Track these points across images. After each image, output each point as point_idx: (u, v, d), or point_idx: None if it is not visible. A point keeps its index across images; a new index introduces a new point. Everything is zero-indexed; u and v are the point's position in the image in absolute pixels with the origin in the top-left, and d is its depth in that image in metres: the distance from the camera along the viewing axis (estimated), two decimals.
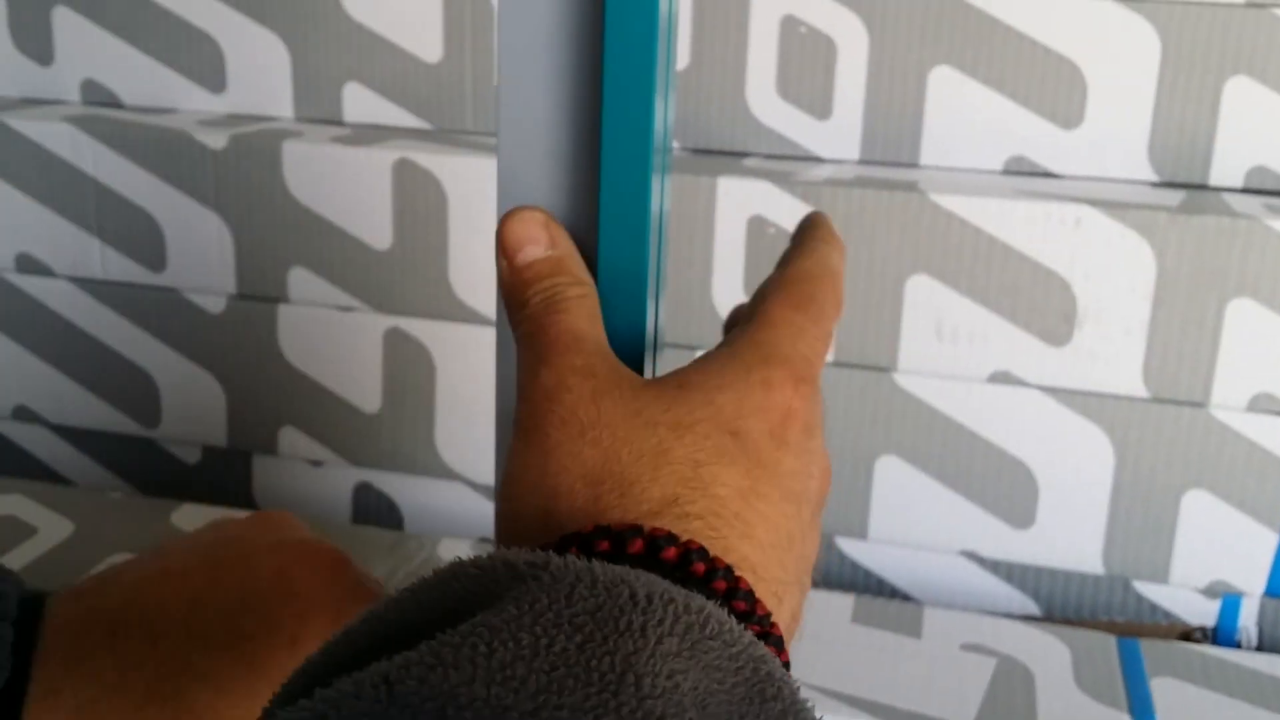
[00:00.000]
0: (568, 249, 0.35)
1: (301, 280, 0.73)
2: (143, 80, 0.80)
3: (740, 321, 0.35)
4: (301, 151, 0.71)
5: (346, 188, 0.71)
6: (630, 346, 0.35)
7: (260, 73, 0.78)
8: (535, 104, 0.36)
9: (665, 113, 0.36)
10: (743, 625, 0.26)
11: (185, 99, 0.79)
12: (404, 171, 0.70)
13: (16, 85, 0.82)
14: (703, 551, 0.29)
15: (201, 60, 0.78)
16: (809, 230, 0.38)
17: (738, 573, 0.29)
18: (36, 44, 0.80)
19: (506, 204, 0.36)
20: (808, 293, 0.35)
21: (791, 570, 0.31)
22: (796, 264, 0.36)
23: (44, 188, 0.76)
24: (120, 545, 0.64)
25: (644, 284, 0.35)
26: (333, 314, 0.74)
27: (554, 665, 0.23)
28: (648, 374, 0.36)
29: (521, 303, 0.34)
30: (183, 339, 0.76)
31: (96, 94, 0.81)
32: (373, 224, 0.72)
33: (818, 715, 0.26)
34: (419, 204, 0.71)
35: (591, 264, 0.35)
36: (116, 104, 0.80)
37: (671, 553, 0.28)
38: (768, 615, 0.29)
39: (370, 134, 0.74)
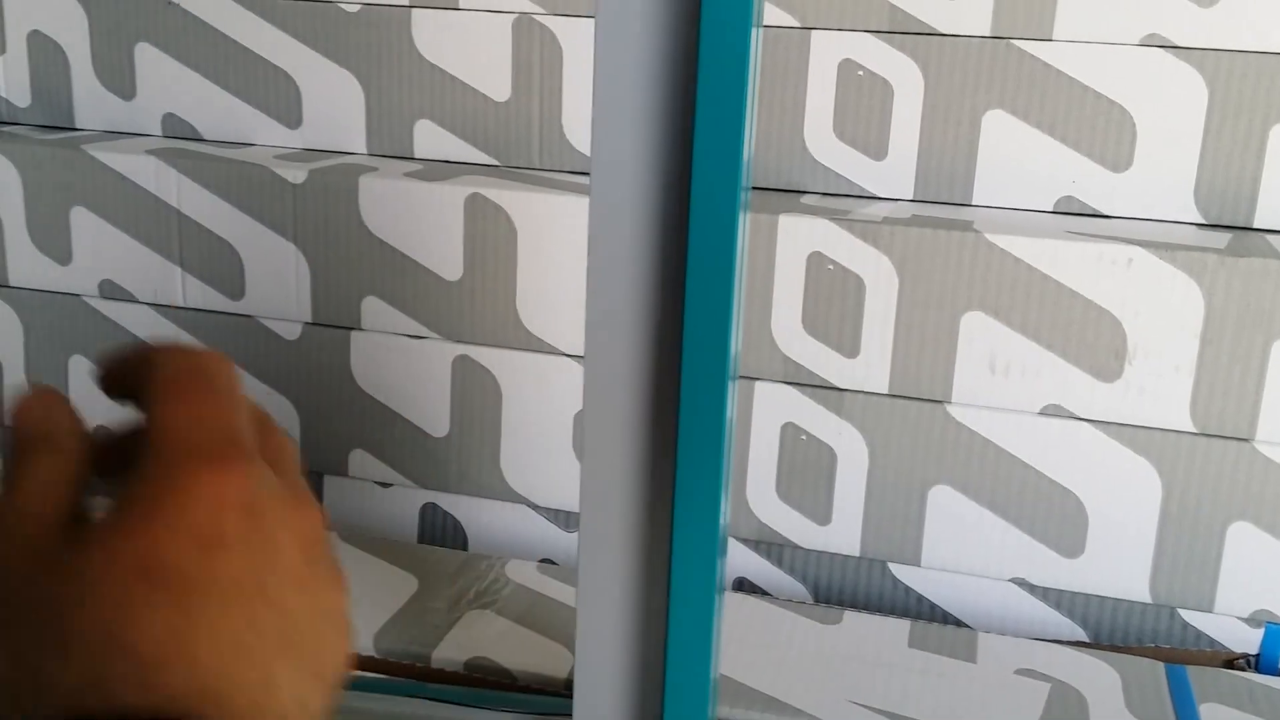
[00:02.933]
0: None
1: (374, 309, 0.76)
2: (221, 115, 0.83)
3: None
4: (377, 186, 0.74)
5: (419, 221, 0.74)
6: (714, 378, 0.37)
7: (335, 109, 0.81)
8: (626, 143, 0.38)
9: (749, 152, 0.38)
10: None
11: (262, 134, 0.83)
12: (475, 206, 0.73)
13: (100, 118, 0.85)
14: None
15: (279, 97, 0.82)
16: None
17: (202, 712, 0.26)
18: (119, 79, 0.84)
19: (598, 241, 0.38)
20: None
21: (263, 660, 0.27)
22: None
23: (128, 217, 0.79)
24: None
25: (729, 317, 0.38)
26: (404, 341, 0.77)
27: None
28: (729, 407, 0.39)
29: None
30: (259, 364, 0.79)
31: (177, 128, 0.84)
32: (444, 256, 0.75)
33: None
34: (489, 237, 0.73)
35: (680, 299, 0.37)
36: (196, 138, 0.84)
37: None
38: None
39: (441, 169, 0.77)
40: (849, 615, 0.67)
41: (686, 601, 0.45)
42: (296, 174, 0.76)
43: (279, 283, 0.78)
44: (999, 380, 0.69)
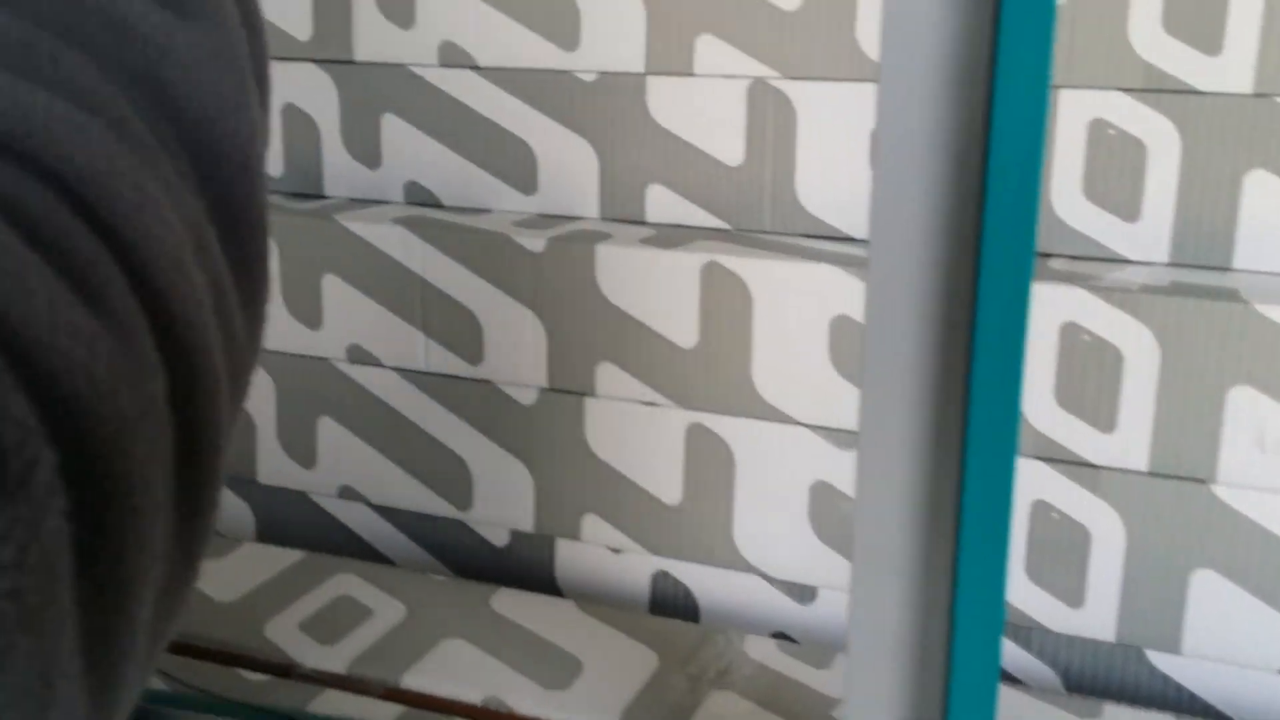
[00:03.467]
0: None
1: (609, 375, 0.77)
2: (461, 182, 0.85)
3: None
4: (614, 254, 0.75)
5: (655, 288, 0.75)
6: (1002, 445, 0.36)
7: (569, 175, 0.82)
8: (907, 212, 0.37)
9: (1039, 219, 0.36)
10: None
11: (498, 200, 0.85)
12: (711, 274, 0.73)
13: (347, 186, 0.89)
14: None
15: (515, 163, 0.83)
16: None
17: None
18: (366, 149, 0.87)
19: (875, 312, 0.37)
20: None
21: None
22: None
23: (375, 284, 0.82)
24: (450, 630, 0.69)
25: (1018, 384, 0.36)
26: (638, 408, 0.77)
27: None
28: (1014, 487, 0.37)
29: None
30: (496, 428, 0.81)
31: (418, 194, 0.87)
32: (679, 322, 0.75)
33: None
34: (724, 304, 0.73)
35: (965, 371, 0.36)
36: (436, 204, 0.86)
37: None
38: None
39: (674, 235, 0.78)
40: (1109, 708, 0.64)
41: (966, 690, 0.43)
42: (535, 242, 0.77)
43: (516, 348, 0.79)
44: (1269, 459, 0.64)
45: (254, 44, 0.33)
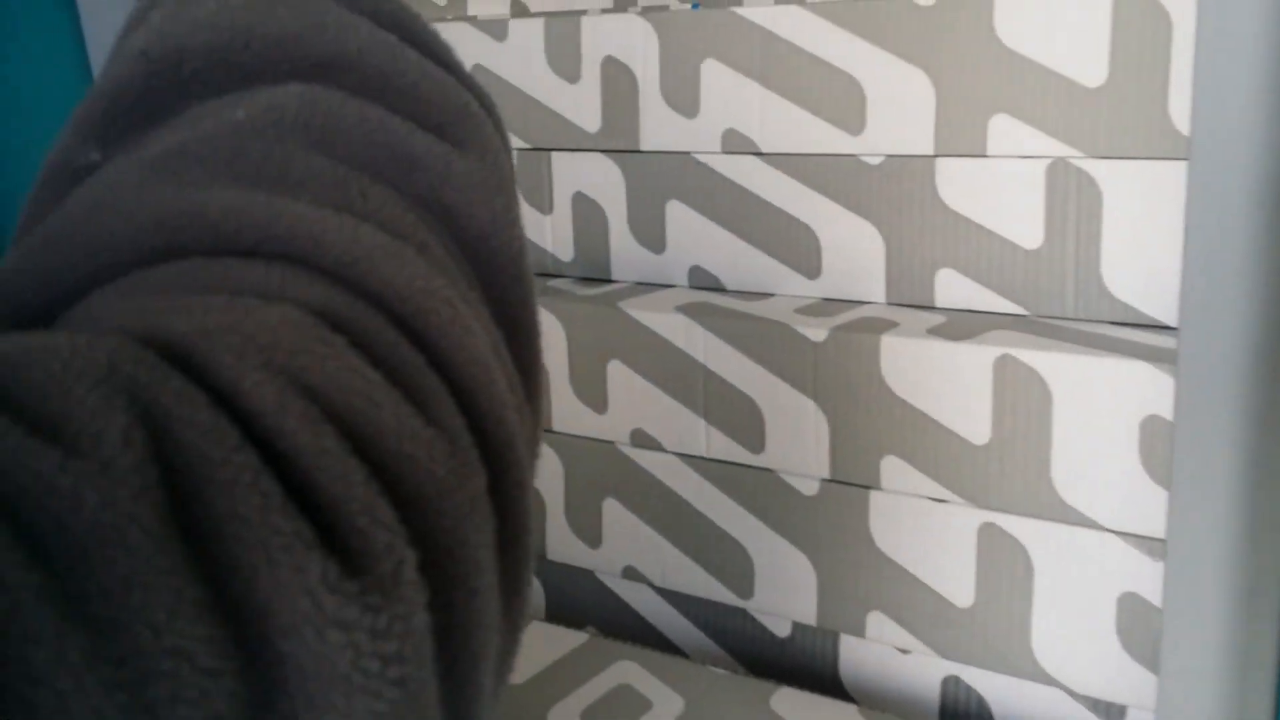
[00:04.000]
0: None
1: (895, 468, 0.74)
2: (744, 266, 0.85)
3: None
4: (899, 346, 0.72)
5: (943, 381, 0.71)
6: None
7: (854, 259, 0.80)
8: (1221, 298, 0.34)
9: None
10: None
11: (782, 284, 0.84)
12: (1005, 367, 0.69)
13: (634, 271, 0.90)
14: None
15: (798, 247, 0.82)
16: None
17: None
18: (652, 234, 0.88)
19: (1186, 409, 0.33)
20: None
21: None
22: None
23: (658, 370, 0.82)
24: None
25: None
26: (926, 504, 0.74)
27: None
28: None
29: None
30: (778, 517, 0.79)
31: (702, 279, 0.87)
32: (969, 417, 0.71)
33: None
34: (1020, 400, 0.69)
35: None
36: (719, 288, 0.86)
37: None
38: None
39: (966, 322, 0.74)
40: None
41: None
42: (817, 332, 0.75)
43: (799, 437, 0.77)
44: None
45: (510, 165, 0.36)
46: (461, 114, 0.33)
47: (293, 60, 0.32)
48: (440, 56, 0.35)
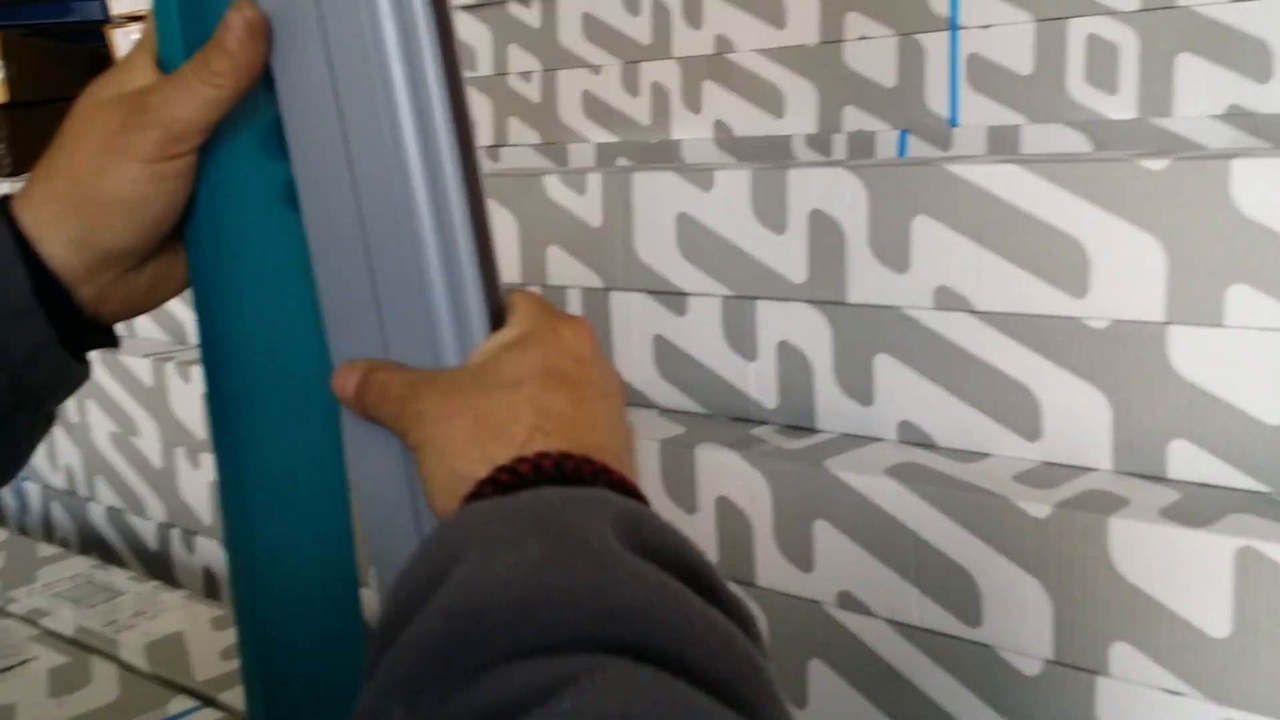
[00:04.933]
0: (366, 363, 0.51)
1: (1124, 655, 0.70)
2: (956, 424, 0.82)
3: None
4: (1130, 530, 0.69)
5: (1178, 569, 0.67)
6: None
7: (1077, 424, 0.77)
8: None
9: None
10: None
11: (998, 444, 0.81)
12: (1248, 559, 0.65)
13: (840, 421, 0.88)
14: (565, 455, 0.43)
15: (1016, 408, 0.79)
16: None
17: (592, 455, 0.44)
18: (859, 386, 0.87)
19: None
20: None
21: (622, 439, 0.47)
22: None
23: (867, 534, 0.80)
24: None
25: None
26: (1158, 695, 0.69)
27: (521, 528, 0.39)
28: None
29: (373, 412, 0.50)
30: (995, 697, 0.76)
31: (912, 434, 0.85)
32: (1207, 607, 0.67)
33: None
34: (1264, 594, 0.64)
35: None
36: (930, 444, 0.84)
37: (549, 464, 0.43)
38: (622, 476, 0.44)
39: (1201, 500, 0.70)
40: None
41: None
42: (1040, 508, 0.72)
43: (1018, 614, 0.74)
44: None
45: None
46: (751, 670, 0.36)
47: (587, 614, 0.35)
48: (716, 591, 0.39)
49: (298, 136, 0.53)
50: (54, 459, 1.48)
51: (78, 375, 0.53)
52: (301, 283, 0.56)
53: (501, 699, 0.33)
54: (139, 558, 1.38)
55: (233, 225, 0.57)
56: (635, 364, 0.99)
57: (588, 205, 1.00)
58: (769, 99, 1.36)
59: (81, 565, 1.23)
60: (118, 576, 1.19)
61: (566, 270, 1.02)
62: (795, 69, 1.33)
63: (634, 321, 0.98)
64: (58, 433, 1.46)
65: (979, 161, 0.80)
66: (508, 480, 0.43)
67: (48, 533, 1.51)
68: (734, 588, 0.85)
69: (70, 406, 1.41)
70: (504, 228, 1.06)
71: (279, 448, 0.59)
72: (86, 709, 0.93)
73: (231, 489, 0.59)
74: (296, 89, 0.52)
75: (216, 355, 0.58)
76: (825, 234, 0.87)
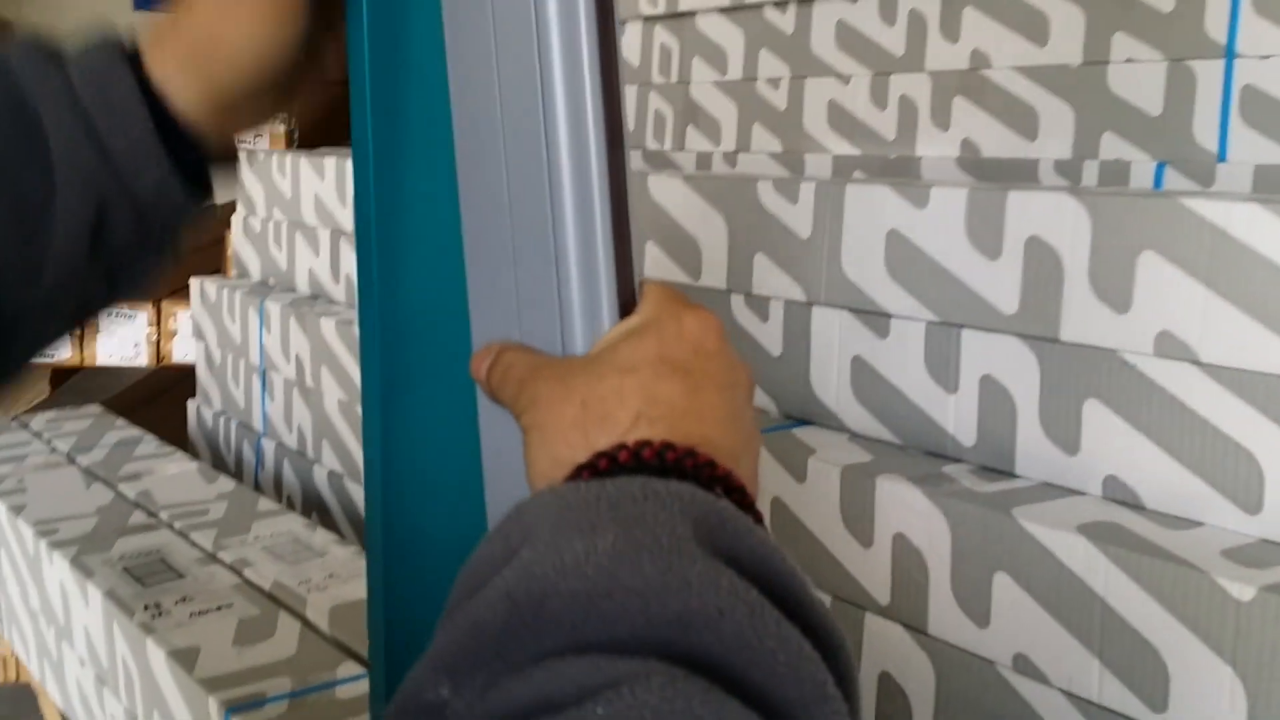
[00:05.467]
0: (500, 345, 0.51)
1: None
2: (1168, 486, 0.74)
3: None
4: None
5: None
6: None
7: None
8: None
9: None
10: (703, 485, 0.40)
11: (1213, 513, 0.72)
12: None
13: (1041, 469, 0.81)
14: (668, 444, 0.41)
15: (1237, 476, 0.71)
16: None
17: (699, 449, 0.41)
18: (1065, 433, 0.80)
19: None
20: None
21: (740, 437, 0.45)
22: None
23: (1051, 595, 0.73)
24: None
25: None
26: None
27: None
28: None
29: (497, 393, 0.49)
30: None
31: (1118, 491, 0.77)
32: None
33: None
34: None
35: None
36: (1138, 505, 0.76)
37: (649, 453, 0.41)
38: (729, 473, 0.41)
39: None
40: None
41: None
42: (1244, 589, 0.64)
43: (1209, 705, 0.66)
44: None
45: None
46: (818, 699, 0.33)
47: (651, 614, 0.33)
48: (801, 607, 0.37)
49: (461, 116, 0.54)
50: (289, 419, 1.56)
51: (201, 206, 0.54)
52: (460, 266, 0.56)
53: (544, 693, 0.32)
54: (352, 523, 1.44)
55: (401, 210, 0.58)
56: (831, 384, 0.95)
57: (799, 215, 0.96)
58: (1022, 120, 1.28)
59: (294, 523, 1.28)
60: (324, 538, 1.24)
61: (771, 280, 0.99)
62: (1053, 89, 1.25)
63: (833, 340, 0.94)
64: (294, 394, 1.53)
65: (1216, 198, 0.71)
66: (605, 467, 0.42)
67: (277, 490, 1.59)
68: (902, 633, 0.80)
69: (306, 370, 1.48)
70: (713, 231, 1.03)
71: (425, 428, 0.60)
72: (262, 661, 0.96)
73: (377, 466, 0.60)
74: (463, 67, 0.53)
75: (375, 333, 0.59)
76: (1042, 264, 0.80)
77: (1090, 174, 1.20)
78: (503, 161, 0.52)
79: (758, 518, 0.44)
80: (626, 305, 0.51)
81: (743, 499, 0.43)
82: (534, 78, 0.50)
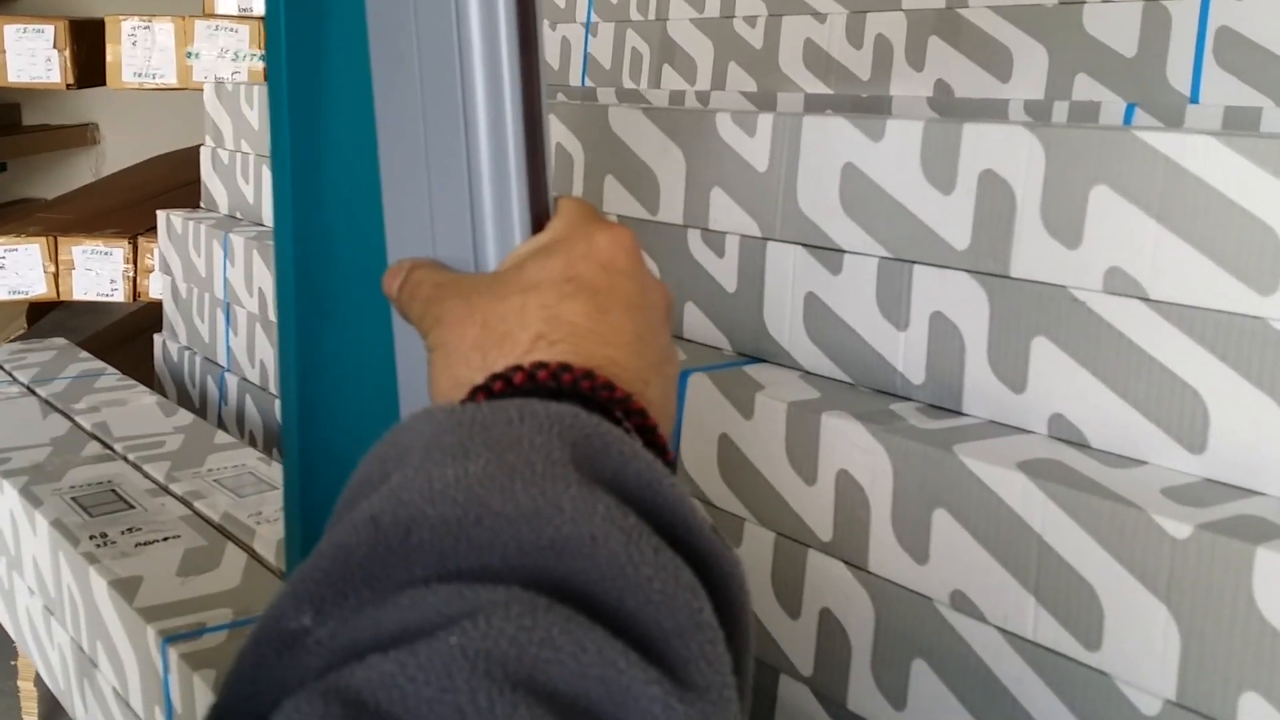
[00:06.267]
0: (411, 262, 0.49)
1: (1255, 708, 0.60)
2: (1113, 425, 0.73)
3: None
4: (1279, 564, 0.59)
5: None
6: None
7: (1250, 440, 0.67)
8: None
9: None
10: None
11: (1158, 453, 0.71)
12: None
13: (987, 407, 0.80)
14: (565, 366, 0.40)
15: (1182, 415, 0.70)
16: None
17: (600, 372, 0.41)
18: (1012, 371, 0.78)
19: None
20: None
21: (649, 360, 0.43)
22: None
23: (989, 532, 0.72)
24: None
25: None
26: None
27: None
28: None
29: (405, 312, 0.49)
30: None
31: (1063, 429, 0.76)
32: None
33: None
34: None
35: None
36: (1082, 443, 0.75)
37: (544, 374, 0.40)
38: (628, 396, 0.41)
39: None
40: None
41: None
42: (1180, 527, 0.63)
43: (1143, 644, 0.65)
44: None
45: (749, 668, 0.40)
46: (691, 628, 0.32)
47: (522, 540, 0.32)
48: (689, 533, 0.35)
49: (376, 29, 0.53)
50: (251, 354, 1.54)
51: None
52: (376, 182, 0.55)
53: (406, 622, 0.31)
54: None
55: (316, 126, 0.57)
56: (784, 321, 0.93)
57: (756, 148, 0.94)
58: (996, 61, 1.26)
59: (248, 457, 1.27)
60: (279, 472, 1.22)
61: (727, 215, 0.97)
62: (1029, 30, 1.23)
63: (787, 276, 0.92)
64: (256, 328, 1.51)
65: (1172, 131, 0.70)
66: (500, 389, 0.40)
67: (239, 425, 1.58)
68: (843, 570, 0.79)
69: (269, 304, 1.47)
70: (671, 165, 1.01)
71: (341, 346, 0.59)
72: (204, 592, 0.95)
73: (293, 379, 0.59)
74: None
75: (289, 251, 0.58)
76: (995, 198, 0.78)
77: (1059, 114, 1.18)
78: (417, 74, 0.51)
79: (660, 441, 0.42)
80: (539, 220, 0.50)
81: (644, 421, 0.41)
82: None
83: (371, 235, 0.55)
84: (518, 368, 0.41)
